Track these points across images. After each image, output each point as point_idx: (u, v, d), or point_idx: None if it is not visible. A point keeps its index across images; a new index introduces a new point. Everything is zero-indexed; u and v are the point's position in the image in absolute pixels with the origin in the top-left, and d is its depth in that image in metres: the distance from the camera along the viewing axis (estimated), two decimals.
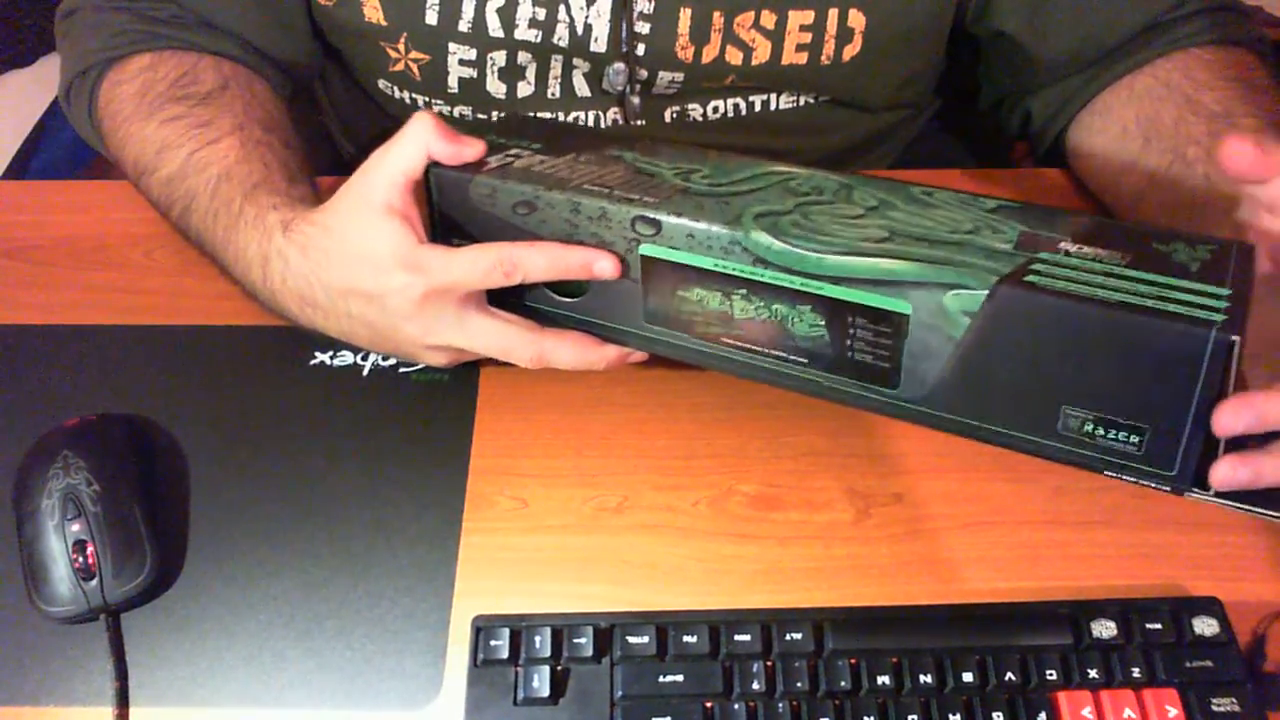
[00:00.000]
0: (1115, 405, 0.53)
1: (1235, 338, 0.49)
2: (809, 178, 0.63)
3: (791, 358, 0.60)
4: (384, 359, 0.73)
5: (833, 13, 0.77)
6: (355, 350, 0.73)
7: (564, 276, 0.62)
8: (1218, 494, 0.52)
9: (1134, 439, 0.53)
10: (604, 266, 0.60)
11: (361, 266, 0.62)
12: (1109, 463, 0.54)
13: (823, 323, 0.57)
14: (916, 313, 0.55)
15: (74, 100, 0.82)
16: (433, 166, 0.63)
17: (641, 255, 0.60)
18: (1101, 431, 0.53)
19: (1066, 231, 0.57)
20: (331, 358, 0.73)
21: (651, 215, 0.59)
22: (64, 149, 1.25)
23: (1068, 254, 0.54)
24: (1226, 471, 0.51)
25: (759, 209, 0.59)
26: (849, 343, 0.57)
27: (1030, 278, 0.52)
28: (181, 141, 0.73)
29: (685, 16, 0.76)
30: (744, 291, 0.58)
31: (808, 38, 0.78)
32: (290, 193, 0.69)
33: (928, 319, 0.54)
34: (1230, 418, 0.50)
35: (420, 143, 0.61)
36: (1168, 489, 0.53)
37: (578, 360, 0.64)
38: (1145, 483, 0.54)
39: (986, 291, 0.52)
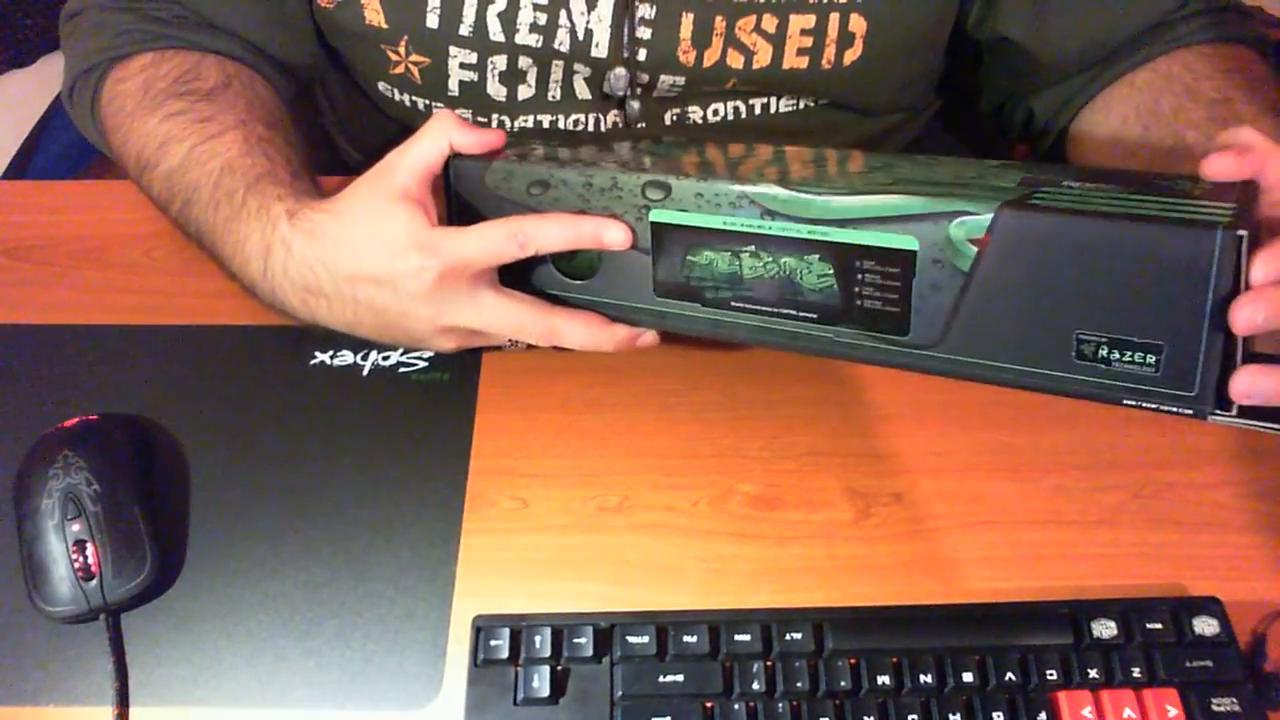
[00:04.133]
0: (1128, 324, 0.51)
1: (1243, 233, 0.47)
2: (813, 151, 0.64)
3: (802, 314, 0.59)
4: (384, 359, 0.73)
5: (834, 17, 0.77)
6: (355, 350, 0.73)
7: (575, 245, 0.62)
8: (1241, 413, 0.51)
9: (1150, 359, 0.51)
10: (615, 235, 0.60)
11: (373, 250, 0.62)
12: (1127, 389, 0.53)
13: (831, 271, 0.57)
14: (923, 248, 0.54)
15: (77, 99, 0.82)
16: (452, 157, 0.64)
17: (651, 222, 0.60)
18: (1116, 355, 0.52)
19: (1069, 175, 0.56)
20: (332, 357, 0.73)
21: (661, 179, 0.59)
22: (64, 149, 1.25)
23: (1070, 186, 0.54)
24: (1247, 381, 0.49)
25: (765, 169, 0.59)
26: (858, 289, 0.57)
27: (1034, 200, 0.52)
28: (184, 136, 0.73)
29: (688, 21, 0.76)
30: (752, 248, 0.58)
31: (809, 42, 0.78)
32: (294, 185, 0.69)
33: (935, 253, 0.54)
34: (1249, 311, 0.48)
35: (441, 137, 0.62)
36: (1189, 412, 0.52)
37: (587, 338, 0.65)
38: (1167, 408, 0.52)
39: (991, 215, 0.52)
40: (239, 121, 0.74)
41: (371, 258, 0.62)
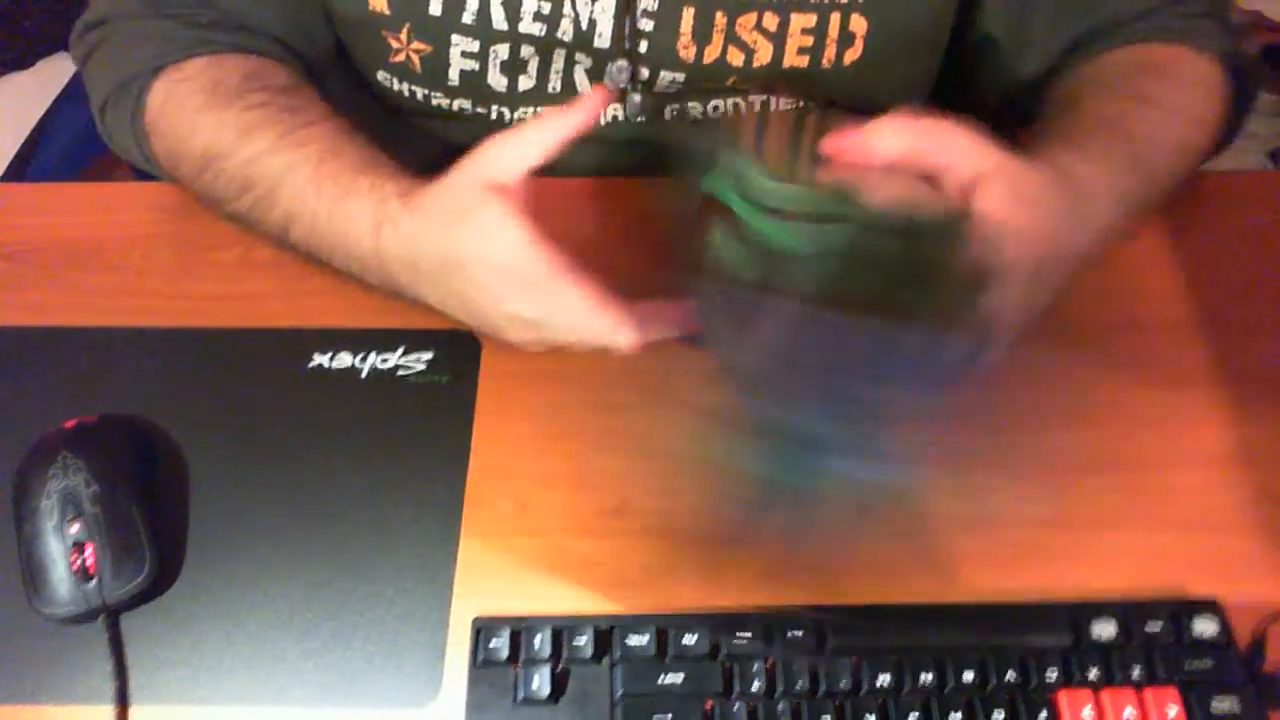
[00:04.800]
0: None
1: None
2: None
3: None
4: (383, 360, 0.73)
5: (834, 17, 0.77)
6: (354, 352, 0.73)
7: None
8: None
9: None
10: (622, 341, 0.63)
11: (452, 234, 0.63)
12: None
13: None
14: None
15: (113, 110, 0.80)
16: None
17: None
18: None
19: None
20: (330, 360, 0.73)
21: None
22: (63, 151, 1.25)
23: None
24: None
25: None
26: None
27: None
28: (270, 125, 0.72)
29: (688, 16, 0.76)
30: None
31: (809, 41, 0.78)
32: (401, 170, 0.69)
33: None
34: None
35: (540, 130, 0.63)
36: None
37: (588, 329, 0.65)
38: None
39: None
40: (328, 113, 0.74)
41: (454, 241, 0.63)
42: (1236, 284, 0.75)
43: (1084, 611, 0.59)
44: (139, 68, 0.78)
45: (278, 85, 0.76)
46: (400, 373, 0.72)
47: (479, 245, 0.62)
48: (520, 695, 0.57)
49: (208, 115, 0.74)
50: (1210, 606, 0.59)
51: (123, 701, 0.58)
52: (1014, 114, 0.89)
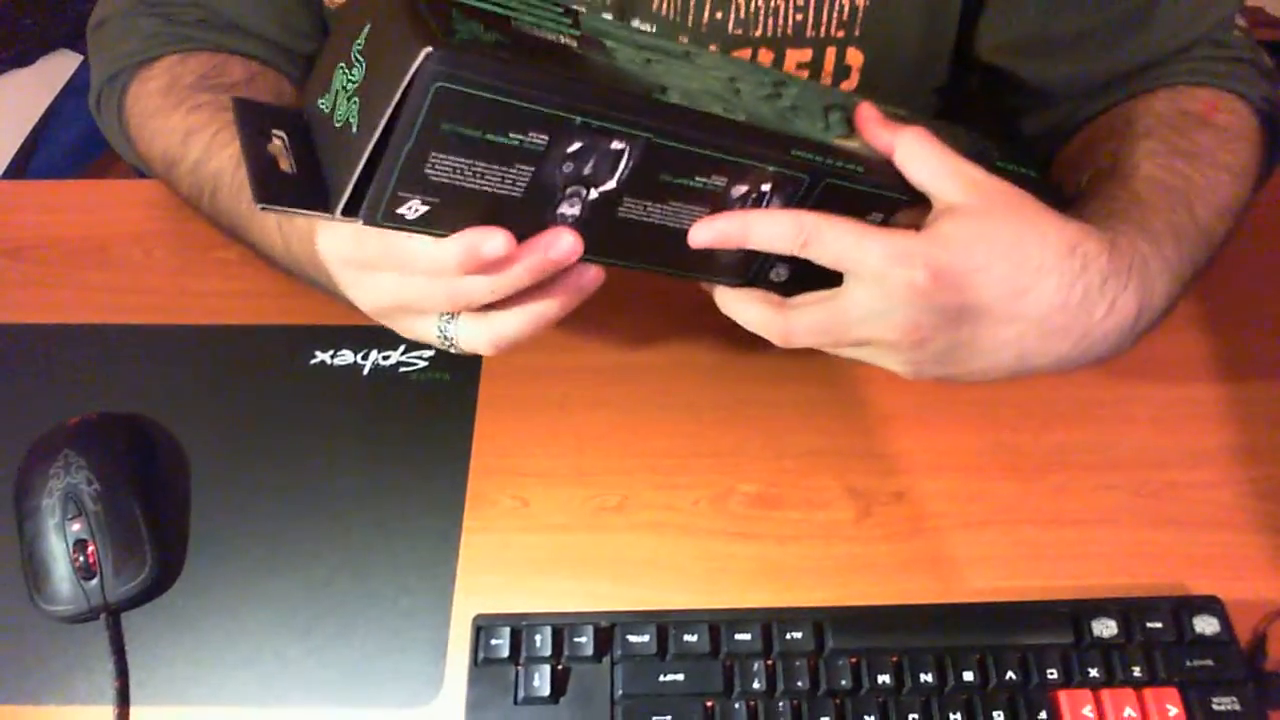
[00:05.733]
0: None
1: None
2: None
3: None
4: (384, 358, 0.73)
5: (830, 51, 0.76)
6: (356, 349, 0.73)
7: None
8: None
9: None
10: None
11: (318, 234, 0.60)
12: None
13: None
14: None
15: (104, 107, 0.80)
16: None
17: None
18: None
19: None
20: (332, 357, 0.73)
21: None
22: (64, 149, 1.25)
23: None
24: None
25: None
26: None
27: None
28: (206, 125, 0.71)
29: None
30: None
31: (805, 75, 0.77)
32: None
33: None
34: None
35: None
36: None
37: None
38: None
39: None
40: None
41: (314, 240, 0.60)
42: (1237, 280, 0.75)
43: (1084, 609, 0.59)
44: (120, 65, 0.78)
45: (227, 84, 0.75)
46: (402, 370, 0.72)
47: (320, 241, 0.57)
48: (521, 694, 0.57)
49: (159, 120, 0.74)
50: (1211, 604, 0.59)
51: (123, 702, 0.58)
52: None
